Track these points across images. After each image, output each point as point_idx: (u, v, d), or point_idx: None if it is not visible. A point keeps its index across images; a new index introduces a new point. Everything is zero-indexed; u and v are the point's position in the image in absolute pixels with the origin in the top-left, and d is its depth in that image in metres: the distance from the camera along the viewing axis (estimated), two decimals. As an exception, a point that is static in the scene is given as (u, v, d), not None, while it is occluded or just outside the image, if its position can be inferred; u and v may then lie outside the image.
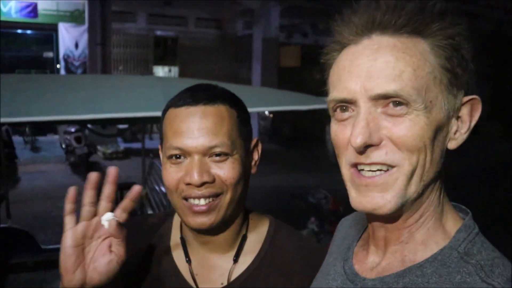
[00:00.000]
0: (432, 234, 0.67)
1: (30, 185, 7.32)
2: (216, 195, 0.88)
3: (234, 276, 0.95)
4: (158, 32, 12.60)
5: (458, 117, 0.65)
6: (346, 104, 0.65)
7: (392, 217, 0.67)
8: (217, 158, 0.88)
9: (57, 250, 2.92)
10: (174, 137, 0.88)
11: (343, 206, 4.34)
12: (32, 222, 5.39)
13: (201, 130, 0.87)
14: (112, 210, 0.81)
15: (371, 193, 0.63)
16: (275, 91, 4.44)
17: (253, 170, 0.98)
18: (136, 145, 9.96)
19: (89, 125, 8.16)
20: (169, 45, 12.96)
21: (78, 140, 8.18)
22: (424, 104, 0.61)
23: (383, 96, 0.61)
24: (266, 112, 10.36)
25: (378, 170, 0.63)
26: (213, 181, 0.88)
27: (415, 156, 0.62)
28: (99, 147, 9.55)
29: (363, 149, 0.62)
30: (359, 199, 0.65)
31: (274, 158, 9.46)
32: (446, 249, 0.64)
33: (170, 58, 13.04)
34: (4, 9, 9.92)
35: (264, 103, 3.52)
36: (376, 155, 0.62)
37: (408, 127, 0.61)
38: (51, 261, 4.02)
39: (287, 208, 4.73)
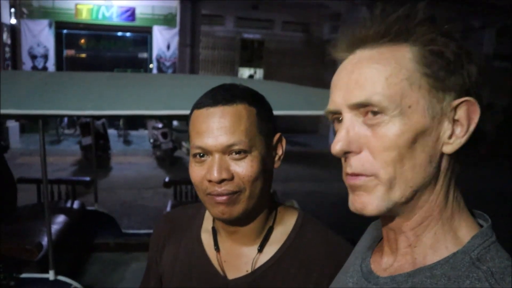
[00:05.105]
0: (441, 238, 0.67)
1: (120, 174, 7.87)
2: (234, 193, 0.93)
3: (258, 264, 1.00)
4: (245, 35, 12.87)
5: (455, 121, 0.64)
6: (338, 115, 0.69)
7: (390, 218, 0.69)
8: (237, 156, 0.92)
9: (136, 235, 3.21)
10: (196, 137, 0.93)
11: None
12: (119, 208, 5.82)
13: (220, 130, 0.91)
14: None
15: (358, 192, 0.66)
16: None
17: (276, 165, 1.01)
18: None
19: (174, 122, 8.66)
20: (255, 48, 13.18)
21: (164, 135, 8.56)
22: (399, 110, 0.62)
23: (357, 105, 0.64)
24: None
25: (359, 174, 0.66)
26: (232, 178, 0.92)
27: (391, 167, 0.63)
28: (183, 143, 9.95)
29: (344, 156, 0.66)
30: (351, 200, 0.68)
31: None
32: (459, 253, 0.64)
33: (256, 60, 13.26)
34: (107, 14, 10.84)
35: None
36: (355, 165, 0.65)
37: (383, 136, 0.63)
38: (130, 244, 4.37)
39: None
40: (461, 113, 0.64)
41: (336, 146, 0.65)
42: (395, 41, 0.65)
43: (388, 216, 0.69)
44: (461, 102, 0.63)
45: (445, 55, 0.63)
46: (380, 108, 0.62)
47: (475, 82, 0.64)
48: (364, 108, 0.64)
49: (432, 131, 0.63)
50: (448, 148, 0.64)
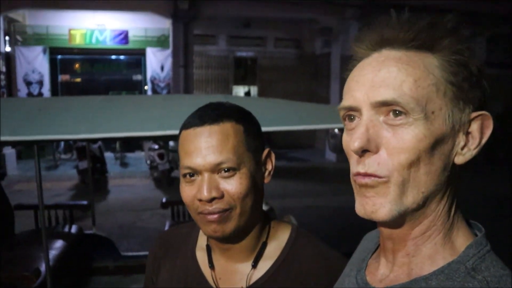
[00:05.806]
0: (440, 249, 0.66)
1: (118, 197, 7.84)
2: (225, 210, 0.94)
3: (253, 280, 1.01)
4: (238, 53, 13.03)
5: (468, 133, 0.65)
6: (353, 112, 0.67)
7: (395, 226, 0.67)
8: (226, 174, 0.93)
9: (135, 257, 3.18)
10: (185, 157, 0.95)
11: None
12: (117, 231, 5.80)
13: (208, 149, 0.92)
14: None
15: (368, 194, 0.64)
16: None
17: (266, 180, 1.02)
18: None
19: (171, 143, 8.66)
20: (249, 65, 13.30)
21: (161, 156, 8.59)
22: (424, 114, 0.62)
23: (382, 103, 0.63)
24: (336, 130, 10.23)
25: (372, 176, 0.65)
26: (222, 196, 0.93)
27: (406, 170, 0.62)
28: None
29: (361, 154, 0.64)
30: (359, 203, 0.66)
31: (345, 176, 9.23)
32: (454, 263, 0.64)
33: (249, 78, 13.36)
34: (100, 38, 10.94)
35: (331, 120, 3.55)
36: (370, 164, 0.64)
37: (404, 137, 0.62)
38: (130, 266, 4.33)
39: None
40: (475, 126, 0.65)
41: (355, 143, 0.63)
42: (422, 48, 0.66)
43: (391, 225, 0.68)
44: (478, 116, 0.65)
45: (470, 68, 0.65)
46: (406, 109, 0.62)
47: (487, 98, 0.66)
48: (387, 107, 0.63)
49: (449, 140, 0.64)
50: (460, 159, 0.65)
